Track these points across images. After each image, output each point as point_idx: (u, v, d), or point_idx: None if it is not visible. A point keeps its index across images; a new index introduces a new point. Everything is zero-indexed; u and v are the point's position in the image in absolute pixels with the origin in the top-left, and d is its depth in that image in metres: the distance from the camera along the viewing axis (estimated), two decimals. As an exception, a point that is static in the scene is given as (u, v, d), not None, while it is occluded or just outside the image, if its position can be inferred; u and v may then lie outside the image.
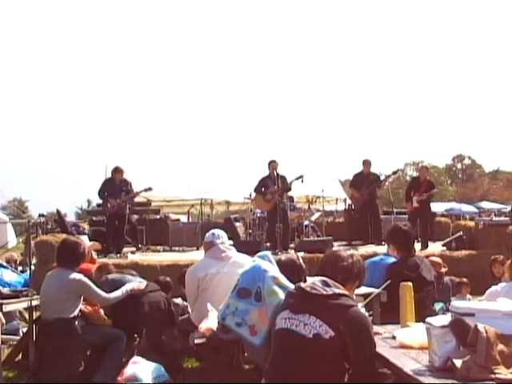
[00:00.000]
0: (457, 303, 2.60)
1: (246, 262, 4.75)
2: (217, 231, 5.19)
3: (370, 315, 3.28)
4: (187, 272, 5.12)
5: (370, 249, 9.67)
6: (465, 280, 7.38)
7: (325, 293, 2.69)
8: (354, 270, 2.93)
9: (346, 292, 2.76)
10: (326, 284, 2.75)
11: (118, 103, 71.98)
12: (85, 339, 4.60)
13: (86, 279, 4.55)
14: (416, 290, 3.55)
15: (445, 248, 10.15)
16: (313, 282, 2.81)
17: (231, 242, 5.39)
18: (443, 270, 6.72)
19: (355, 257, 3.00)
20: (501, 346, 2.30)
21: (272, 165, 10.22)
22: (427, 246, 10.08)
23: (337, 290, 2.71)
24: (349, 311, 2.65)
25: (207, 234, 5.22)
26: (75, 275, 4.51)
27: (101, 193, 10.65)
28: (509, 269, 4.54)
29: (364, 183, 11.01)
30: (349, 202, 12.91)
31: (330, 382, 2.60)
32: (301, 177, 10.15)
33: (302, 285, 2.81)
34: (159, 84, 73.15)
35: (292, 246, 10.45)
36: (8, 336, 6.19)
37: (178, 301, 5.97)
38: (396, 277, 3.93)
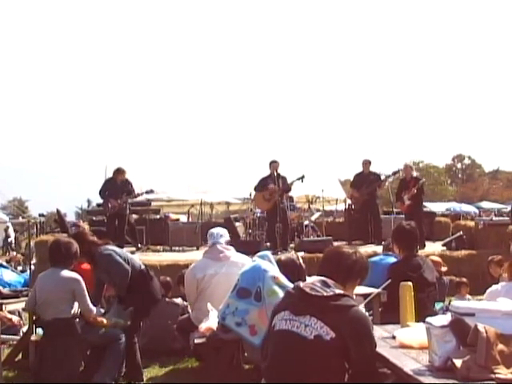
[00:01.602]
0: (457, 303, 2.60)
1: (244, 261, 4.76)
2: (216, 230, 5.16)
3: (370, 315, 3.28)
4: (186, 272, 5.12)
5: (369, 249, 9.65)
6: (464, 280, 7.37)
7: (325, 294, 2.68)
8: (356, 268, 2.88)
9: (346, 292, 2.75)
10: (325, 284, 2.74)
11: (118, 104, 71.98)
12: (85, 339, 4.59)
13: (81, 281, 4.47)
14: (417, 290, 3.54)
15: (445, 248, 10.15)
16: (312, 282, 2.79)
17: (229, 239, 5.35)
18: (443, 269, 6.72)
19: (358, 253, 2.94)
20: (501, 346, 2.30)
21: (273, 165, 10.23)
22: (424, 246, 10.08)
23: (337, 291, 2.70)
24: (350, 312, 2.65)
25: (208, 235, 5.21)
26: (70, 274, 4.48)
27: (102, 192, 10.67)
28: (508, 269, 4.53)
29: (364, 183, 11.01)
30: (349, 201, 12.91)
31: (330, 382, 2.60)
32: (302, 177, 10.15)
33: (301, 285, 2.80)
34: (159, 84, 73.15)
35: (292, 245, 10.45)
36: (8, 336, 6.18)
37: (178, 301, 5.97)
38: (397, 276, 3.92)
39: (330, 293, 2.68)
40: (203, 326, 4.23)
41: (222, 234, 5.14)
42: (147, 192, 11.05)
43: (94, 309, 4.59)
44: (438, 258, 6.95)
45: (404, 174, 11.21)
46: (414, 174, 11.54)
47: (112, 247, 5.02)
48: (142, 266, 5.04)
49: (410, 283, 3.43)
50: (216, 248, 5.00)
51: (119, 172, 10.56)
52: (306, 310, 2.67)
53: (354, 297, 2.92)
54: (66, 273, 4.48)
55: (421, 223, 10.35)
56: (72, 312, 4.48)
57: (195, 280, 4.88)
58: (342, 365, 2.65)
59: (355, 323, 2.63)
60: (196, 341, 4.38)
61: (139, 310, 4.93)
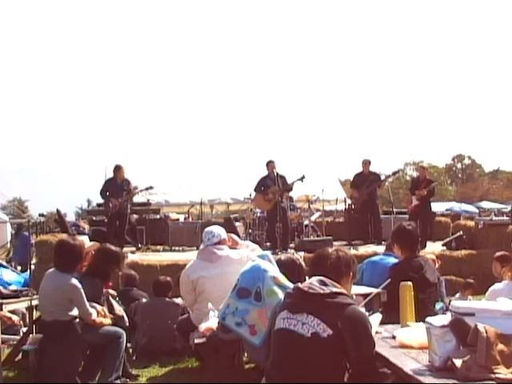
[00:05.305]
0: (457, 303, 2.60)
1: (238, 258, 4.75)
2: (208, 230, 5.04)
3: (370, 315, 3.27)
4: (181, 275, 5.05)
5: (369, 249, 9.68)
6: (471, 281, 7.28)
7: (322, 292, 2.70)
8: (343, 264, 2.93)
9: (344, 290, 2.77)
10: (323, 283, 2.76)
11: (118, 103, 71.98)
12: (84, 339, 4.59)
13: (79, 288, 4.44)
14: (418, 290, 3.53)
15: (445, 248, 10.15)
16: (310, 281, 2.82)
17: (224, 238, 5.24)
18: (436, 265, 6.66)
19: (340, 251, 3.01)
20: (501, 346, 2.30)
21: (270, 165, 10.25)
22: (425, 246, 10.09)
23: (334, 289, 2.72)
24: (346, 309, 2.66)
25: (203, 234, 5.14)
26: (70, 280, 4.43)
27: (103, 192, 10.68)
28: (511, 269, 4.54)
29: (364, 183, 11.02)
30: (349, 201, 12.91)
31: (330, 380, 2.60)
32: (302, 177, 10.16)
33: (300, 285, 2.82)
34: (159, 84, 73.17)
35: (292, 245, 10.45)
36: (8, 336, 6.18)
37: (178, 301, 5.96)
38: (399, 277, 3.90)
39: (326, 291, 2.70)
40: (203, 326, 4.23)
41: (215, 233, 4.99)
42: (147, 189, 11.10)
43: (94, 312, 4.59)
44: (432, 256, 6.88)
45: (418, 175, 11.43)
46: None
47: None
48: None
49: (409, 283, 3.43)
50: (208, 249, 4.95)
51: (118, 169, 10.56)
52: (302, 308, 2.70)
53: (354, 297, 2.93)
54: (65, 279, 4.43)
55: (427, 224, 10.42)
56: (71, 314, 4.47)
57: (190, 282, 4.86)
58: (342, 362, 2.65)
59: (352, 320, 2.64)
60: (196, 341, 4.37)
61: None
